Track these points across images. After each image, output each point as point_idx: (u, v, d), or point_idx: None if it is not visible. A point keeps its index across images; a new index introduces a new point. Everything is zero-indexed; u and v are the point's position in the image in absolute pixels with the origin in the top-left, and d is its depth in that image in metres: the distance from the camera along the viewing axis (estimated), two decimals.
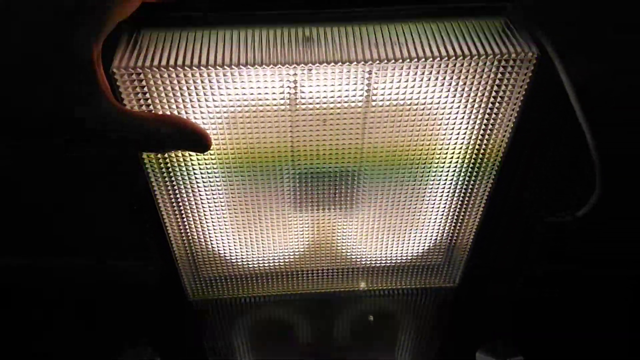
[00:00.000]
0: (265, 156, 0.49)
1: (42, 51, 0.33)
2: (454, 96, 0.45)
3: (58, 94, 0.34)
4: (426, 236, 0.60)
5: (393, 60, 0.41)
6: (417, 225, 0.59)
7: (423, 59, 0.41)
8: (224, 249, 0.59)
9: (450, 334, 0.66)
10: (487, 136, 0.49)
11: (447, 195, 0.55)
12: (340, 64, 0.41)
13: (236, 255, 0.61)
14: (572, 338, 0.63)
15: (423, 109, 0.46)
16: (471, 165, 0.52)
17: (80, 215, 0.65)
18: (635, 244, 0.69)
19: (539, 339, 0.63)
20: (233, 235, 0.58)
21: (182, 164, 0.49)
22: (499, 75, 0.43)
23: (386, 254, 0.63)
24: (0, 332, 0.64)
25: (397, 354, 0.65)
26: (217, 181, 0.51)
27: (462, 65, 0.42)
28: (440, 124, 0.48)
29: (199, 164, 0.49)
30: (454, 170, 0.53)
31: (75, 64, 0.34)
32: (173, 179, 0.50)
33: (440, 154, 0.51)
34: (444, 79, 0.44)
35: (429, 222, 0.59)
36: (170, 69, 0.40)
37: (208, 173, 0.50)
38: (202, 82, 0.42)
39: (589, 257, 0.71)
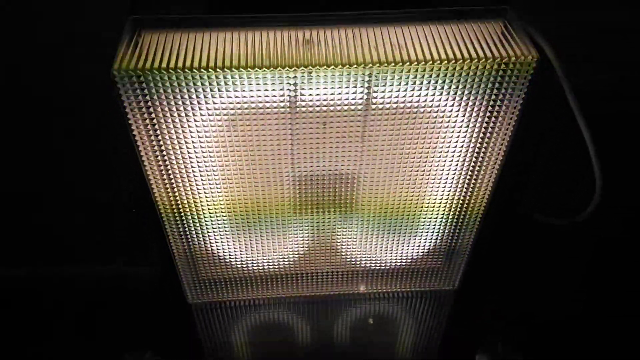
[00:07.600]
0: (265, 159, 0.49)
1: None
2: (454, 99, 0.45)
3: None
4: (426, 239, 0.60)
5: (393, 63, 0.42)
6: (417, 229, 0.59)
7: (423, 62, 0.42)
8: (224, 252, 0.59)
9: (449, 337, 0.66)
10: (487, 138, 0.49)
11: (447, 198, 0.55)
12: (340, 66, 0.41)
13: (236, 258, 0.61)
14: (571, 340, 0.63)
15: (423, 112, 0.46)
16: (471, 166, 0.52)
17: (78, 218, 0.65)
18: (635, 244, 0.70)
19: (539, 342, 0.63)
20: (233, 238, 0.58)
21: (182, 168, 0.49)
22: (499, 78, 0.43)
23: (386, 257, 0.63)
24: None
25: (396, 357, 0.65)
26: (216, 183, 0.51)
27: (461, 68, 0.43)
28: (441, 126, 0.48)
29: (198, 167, 0.49)
30: (454, 173, 0.53)
31: None
32: (173, 181, 0.50)
33: (440, 156, 0.51)
34: (444, 81, 0.44)
35: (429, 225, 0.59)
36: (171, 71, 0.40)
37: (208, 175, 0.50)
38: (202, 84, 0.42)
39: (588, 260, 0.71)
